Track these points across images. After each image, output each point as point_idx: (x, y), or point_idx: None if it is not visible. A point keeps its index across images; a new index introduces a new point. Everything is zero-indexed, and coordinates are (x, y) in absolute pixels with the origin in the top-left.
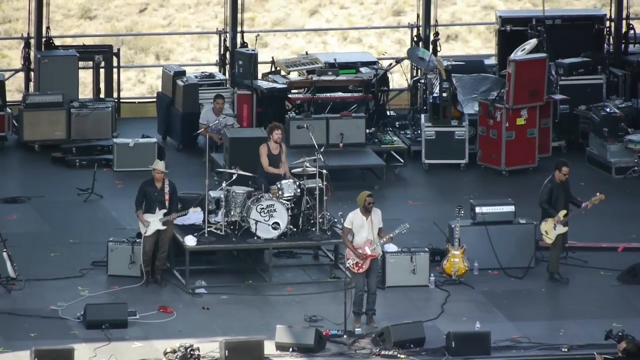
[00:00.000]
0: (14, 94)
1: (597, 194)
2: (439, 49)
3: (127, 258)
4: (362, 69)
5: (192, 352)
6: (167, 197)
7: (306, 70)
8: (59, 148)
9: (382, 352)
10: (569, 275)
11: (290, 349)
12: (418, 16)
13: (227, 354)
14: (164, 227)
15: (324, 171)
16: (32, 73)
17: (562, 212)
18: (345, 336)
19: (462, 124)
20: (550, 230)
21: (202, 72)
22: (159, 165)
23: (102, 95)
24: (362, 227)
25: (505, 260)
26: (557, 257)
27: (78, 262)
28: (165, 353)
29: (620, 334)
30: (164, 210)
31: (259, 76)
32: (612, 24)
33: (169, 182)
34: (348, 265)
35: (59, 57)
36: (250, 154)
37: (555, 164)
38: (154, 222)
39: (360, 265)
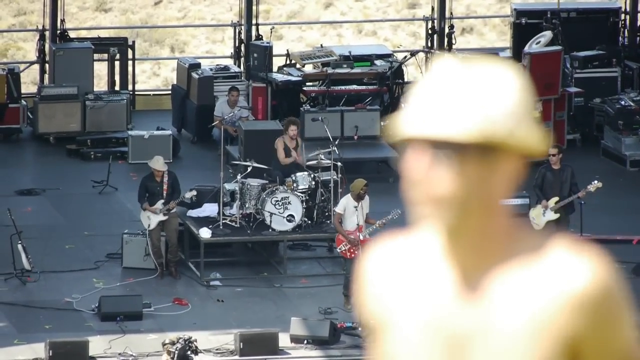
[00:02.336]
0: (29, 86)
1: (594, 182)
2: (454, 41)
3: (141, 250)
4: (377, 62)
5: (190, 344)
6: (165, 187)
7: (321, 62)
8: (74, 140)
9: None
10: None
11: (305, 341)
12: (433, 9)
13: (241, 346)
14: (165, 217)
15: (339, 164)
16: (47, 65)
17: (554, 199)
18: (360, 328)
19: None
20: (539, 216)
21: (217, 65)
22: (158, 164)
23: (117, 88)
24: (354, 214)
25: None
26: None
27: (93, 254)
28: (164, 344)
29: None
30: (162, 201)
31: (274, 69)
32: (627, 16)
33: (168, 172)
34: (339, 250)
35: (74, 50)
36: (265, 147)
37: None
38: (155, 214)
39: (353, 250)
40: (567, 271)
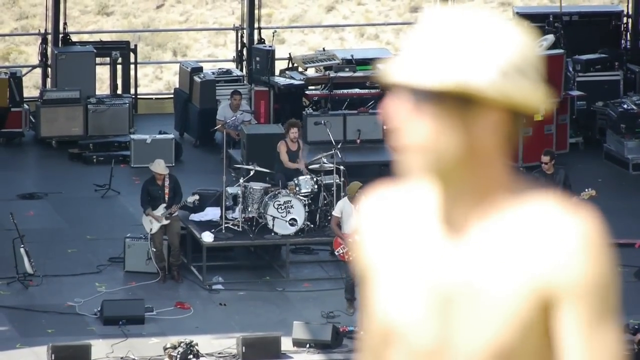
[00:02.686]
0: (31, 90)
1: (587, 189)
2: None
3: (144, 254)
4: (380, 66)
5: (191, 349)
6: (166, 191)
7: (323, 66)
8: (76, 144)
9: None
10: None
11: (307, 345)
12: None
13: (244, 350)
14: (167, 221)
15: (341, 167)
16: (49, 69)
17: None
18: (362, 332)
19: None
20: None
21: (219, 69)
22: (159, 168)
23: (119, 92)
24: (351, 216)
25: None
26: None
27: (95, 258)
28: (166, 349)
29: (636, 327)
30: (164, 205)
31: (276, 72)
32: (630, 20)
33: (169, 176)
34: (337, 254)
35: (76, 53)
36: (268, 150)
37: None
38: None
39: (350, 253)
40: (553, 223)
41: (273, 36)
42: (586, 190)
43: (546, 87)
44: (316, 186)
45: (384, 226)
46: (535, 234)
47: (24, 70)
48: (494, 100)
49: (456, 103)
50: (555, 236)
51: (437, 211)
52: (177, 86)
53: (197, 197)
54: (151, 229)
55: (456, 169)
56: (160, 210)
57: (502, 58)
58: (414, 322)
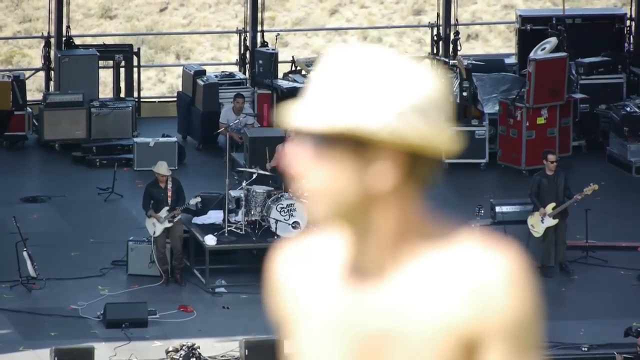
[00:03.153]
0: (34, 93)
1: (590, 184)
2: (459, 48)
3: (147, 257)
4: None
5: (193, 352)
6: (169, 194)
7: None
8: (80, 147)
9: None
10: (589, 275)
11: None
12: (438, 15)
13: (246, 353)
14: (170, 224)
15: None
16: (52, 72)
17: (551, 205)
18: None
19: (482, 123)
20: (537, 223)
21: (222, 72)
22: (162, 169)
23: (122, 95)
24: None
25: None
26: (548, 250)
27: (98, 261)
28: (168, 352)
29: (639, 330)
30: (166, 208)
31: (279, 75)
32: (633, 23)
33: (172, 179)
34: None
35: (80, 57)
36: (270, 154)
37: (542, 153)
38: (161, 221)
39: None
40: (477, 267)
41: (276, 39)
42: (590, 184)
43: (452, 127)
44: None
45: (299, 276)
46: (453, 276)
47: (27, 74)
48: (388, 142)
49: (351, 146)
50: (474, 277)
51: (349, 257)
52: (180, 89)
53: (199, 199)
54: (154, 232)
55: (359, 213)
56: (164, 213)
57: (398, 99)
58: None
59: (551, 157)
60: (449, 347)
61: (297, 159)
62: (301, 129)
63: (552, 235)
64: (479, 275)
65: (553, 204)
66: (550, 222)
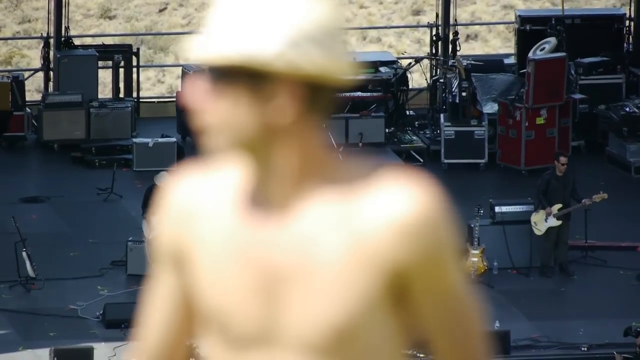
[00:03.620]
0: (33, 93)
1: (600, 192)
2: (458, 48)
3: (146, 257)
4: (382, 69)
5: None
6: None
7: None
8: (79, 148)
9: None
10: (588, 275)
11: None
12: (437, 15)
13: None
14: None
15: None
16: (51, 73)
17: (557, 206)
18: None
19: (482, 123)
20: (540, 222)
21: None
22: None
23: (121, 95)
24: None
25: (524, 260)
26: (549, 249)
27: (97, 261)
28: None
29: (639, 330)
30: None
31: None
32: (632, 23)
33: None
34: None
35: (79, 57)
36: None
37: (554, 154)
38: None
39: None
40: (388, 198)
41: None
42: (599, 192)
43: (349, 56)
44: None
45: (193, 211)
46: (367, 210)
47: (26, 74)
48: (284, 73)
49: (248, 79)
50: (390, 211)
51: (250, 190)
52: (180, 89)
53: None
54: (149, 234)
55: (260, 147)
56: None
57: (292, 28)
58: (237, 308)
59: (562, 159)
60: (366, 281)
61: (194, 94)
62: (198, 62)
63: (554, 235)
64: (396, 211)
65: (559, 205)
66: (554, 222)
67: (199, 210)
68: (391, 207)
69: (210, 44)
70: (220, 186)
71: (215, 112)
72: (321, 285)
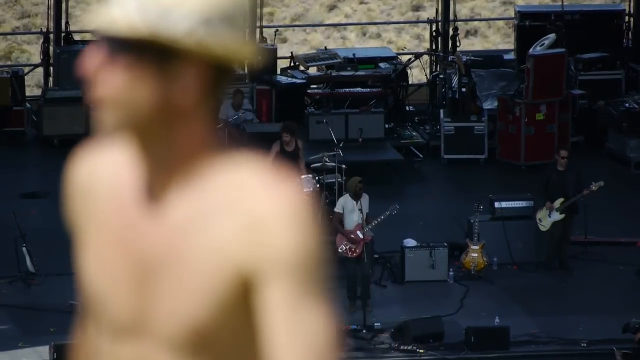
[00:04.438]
0: (33, 89)
1: (595, 181)
2: (458, 44)
3: None
4: (381, 64)
5: None
6: None
7: (325, 65)
8: (79, 143)
9: (401, 347)
10: (587, 271)
11: None
12: (437, 11)
13: None
14: None
15: (343, 166)
16: (51, 68)
17: (559, 200)
18: (364, 331)
19: (481, 119)
20: (544, 217)
21: None
22: None
23: None
24: (353, 212)
25: (524, 256)
26: (553, 244)
27: None
28: None
29: (637, 326)
30: None
31: (278, 71)
32: (631, 19)
33: None
34: (340, 251)
35: (78, 52)
36: (269, 149)
37: (555, 149)
38: None
39: (354, 250)
40: (254, 200)
41: (275, 35)
42: (595, 182)
43: (248, 38)
44: (317, 185)
45: (87, 190)
46: (230, 208)
47: (26, 69)
48: (193, 52)
49: (153, 54)
50: (251, 210)
51: (136, 175)
52: None
53: None
54: None
55: (151, 127)
56: None
57: (205, 5)
58: (111, 296)
59: (562, 152)
60: (224, 280)
61: (91, 64)
62: (102, 31)
63: (559, 230)
64: (256, 209)
65: (561, 199)
66: (557, 216)
67: (92, 190)
68: (247, 204)
69: (119, 11)
70: (114, 166)
71: (112, 85)
72: (183, 280)
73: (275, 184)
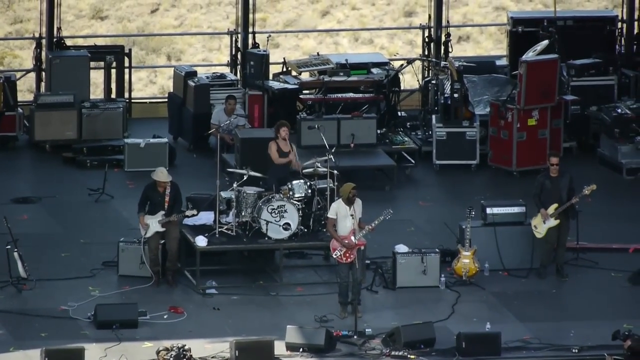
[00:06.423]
0: (25, 94)
1: (587, 185)
2: (450, 50)
3: (137, 258)
4: (374, 70)
5: (184, 352)
6: (167, 199)
7: (317, 70)
8: (70, 148)
9: (392, 353)
10: (579, 277)
11: (301, 349)
12: (430, 17)
13: (237, 354)
14: (162, 229)
15: (335, 172)
16: (43, 73)
17: (553, 206)
18: (355, 337)
19: (473, 124)
20: (540, 224)
21: (214, 73)
22: (162, 176)
23: (113, 96)
24: (346, 217)
25: (516, 262)
26: (548, 251)
27: (89, 262)
28: (158, 352)
29: (627, 333)
30: (162, 212)
31: (271, 77)
32: (624, 25)
33: (172, 184)
34: (335, 256)
35: (71, 58)
36: (262, 155)
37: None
38: (153, 223)
39: (348, 255)
40: None
41: (267, 40)
42: (587, 186)
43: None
44: (310, 190)
45: None
46: None
47: (18, 74)
48: None
49: None
50: None
51: None
52: (172, 90)
53: (194, 211)
54: (146, 233)
55: None
56: (159, 217)
57: None
58: None
59: (553, 159)
60: None
61: None
62: None
63: (554, 237)
64: None
65: (555, 205)
66: (552, 222)
67: None
68: None
69: None
70: None
71: None
72: None
73: None
